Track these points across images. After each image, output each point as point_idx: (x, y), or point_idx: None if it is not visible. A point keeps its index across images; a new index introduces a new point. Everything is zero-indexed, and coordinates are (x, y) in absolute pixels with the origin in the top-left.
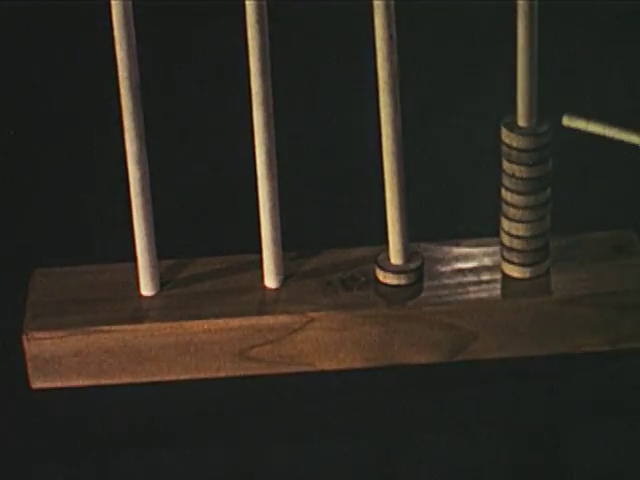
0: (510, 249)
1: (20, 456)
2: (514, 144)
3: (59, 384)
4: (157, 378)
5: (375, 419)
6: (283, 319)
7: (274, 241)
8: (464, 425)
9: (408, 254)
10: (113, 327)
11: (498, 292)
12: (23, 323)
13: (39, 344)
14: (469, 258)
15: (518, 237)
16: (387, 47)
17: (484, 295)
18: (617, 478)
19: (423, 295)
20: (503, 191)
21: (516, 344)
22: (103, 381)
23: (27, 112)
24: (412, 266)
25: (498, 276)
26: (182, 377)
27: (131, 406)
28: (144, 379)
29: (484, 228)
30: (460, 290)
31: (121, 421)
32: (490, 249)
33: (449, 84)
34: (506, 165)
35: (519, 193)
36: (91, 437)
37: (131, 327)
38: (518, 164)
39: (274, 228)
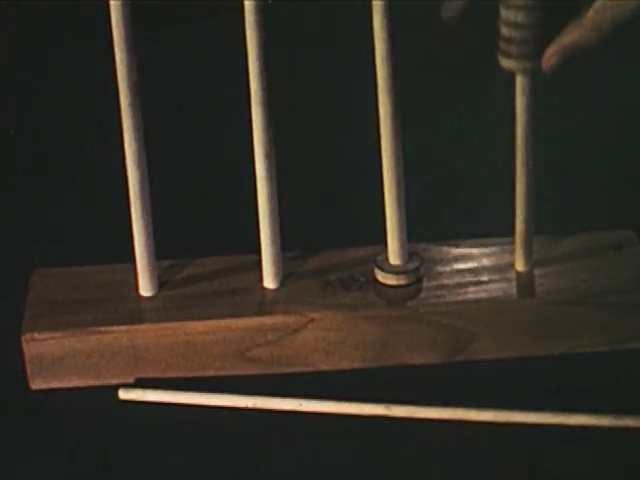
0: (509, 40)
1: (20, 456)
2: None
3: (58, 385)
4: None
5: (375, 419)
6: (282, 319)
7: (273, 241)
8: (464, 425)
9: (407, 254)
10: (112, 328)
11: (498, 292)
12: (22, 324)
13: (38, 345)
14: (468, 259)
15: (517, 25)
16: (386, 47)
17: (483, 295)
18: (617, 478)
19: (422, 295)
20: None
21: (516, 344)
22: (102, 381)
23: (27, 112)
24: (411, 266)
25: (497, 276)
26: (181, 378)
27: (130, 406)
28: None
29: (484, 228)
30: (459, 290)
31: (121, 421)
32: (489, 249)
33: (448, 84)
34: None
35: None
36: (91, 437)
37: (130, 328)
38: None
39: (273, 228)
